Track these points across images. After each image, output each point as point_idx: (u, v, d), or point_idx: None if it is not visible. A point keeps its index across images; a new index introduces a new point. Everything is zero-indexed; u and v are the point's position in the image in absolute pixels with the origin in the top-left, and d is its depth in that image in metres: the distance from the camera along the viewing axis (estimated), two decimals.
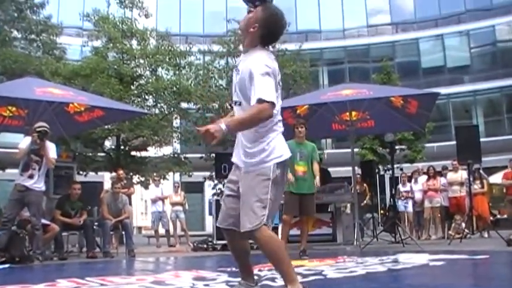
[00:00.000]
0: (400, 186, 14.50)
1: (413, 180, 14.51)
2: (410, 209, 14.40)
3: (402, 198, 14.29)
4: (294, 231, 9.47)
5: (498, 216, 18.27)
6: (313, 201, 8.48)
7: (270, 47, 3.56)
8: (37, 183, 8.13)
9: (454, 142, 11.95)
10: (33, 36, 19.96)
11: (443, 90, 20.76)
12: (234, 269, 5.77)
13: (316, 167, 8.54)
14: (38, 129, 8.09)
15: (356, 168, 12.22)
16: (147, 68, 20.50)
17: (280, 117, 3.45)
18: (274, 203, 3.37)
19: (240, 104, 3.43)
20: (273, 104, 3.19)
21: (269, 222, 3.35)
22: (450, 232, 12.58)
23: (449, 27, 34.59)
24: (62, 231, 9.23)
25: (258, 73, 3.23)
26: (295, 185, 8.14)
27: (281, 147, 3.39)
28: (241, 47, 23.02)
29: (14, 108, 10.12)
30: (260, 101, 3.16)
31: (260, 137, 3.35)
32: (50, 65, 18.60)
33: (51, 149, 8.30)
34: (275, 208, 3.44)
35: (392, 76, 26.24)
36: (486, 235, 12.62)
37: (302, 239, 8.42)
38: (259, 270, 5.68)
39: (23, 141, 8.36)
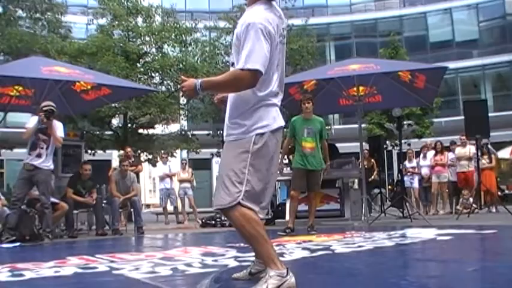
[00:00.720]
0: (406, 162, 14.47)
1: (421, 155, 14.47)
2: (416, 184, 14.40)
3: (408, 174, 14.28)
4: (302, 207, 9.48)
5: (506, 191, 18.23)
6: (319, 177, 8.41)
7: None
8: (45, 162, 8.16)
9: (462, 117, 11.89)
10: (38, 15, 19.85)
11: (451, 65, 20.64)
12: (242, 244, 5.81)
13: (324, 145, 8.49)
14: (45, 109, 8.10)
15: (364, 143, 12.19)
16: (153, 45, 20.43)
17: (277, 89, 3.11)
18: (257, 178, 2.98)
19: (233, 65, 3.10)
20: (256, 73, 2.85)
21: (260, 206, 3.02)
22: (458, 207, 12.59)
23: (457, 1, 34.20)
24: (72, 209, 9.30)
25: (250, 33, 2.88)
26: (303, 160, 8.10)
27: (268, 116, 3.02)
28: None
29: (20, 88, 10.12)
30: (243, 68, 2.87)
31: (244, 107, 3.03)
32: (55, 44, 18.55)
33: (59, 128, 8.32)
34: (260, 185, 3.01)
35: (400, 51, 26.07)
36: (494, 210, 12.61)
37: (310, 214, 8.36)
38: None
39: (30, 121, 8.38)
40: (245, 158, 2.95)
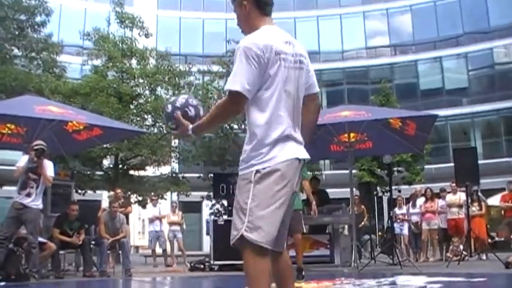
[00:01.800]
0: (396, 209, 14.48)
1: (411, 203, 14.51)
2: (406, 231, 14.40)
3: (398, 220, 14.28)
4: (294, 253, 9.42)
5: (496, 238, 18.22)
6: (301, 217, 8.09)
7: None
8: (35, 201, 8.13)
9: (452, 164, 11.98)
10: (33, 54, 20.03)
11: (441, 112, 20.88)
12: None
13: (306, 185, 8.41)
14: (36, 148, 8.12)
15: (354, 189, 12.21)
16: (147, 88, 20.60)
17: (287, 120, 2.89)
18: (261, 208, 2.77)
19: None
20: (237, 95, 2.75)
21: (265, 241, 2.75)
22: (448, 254, 12.55)
23: (447, 50, 34.80)
24: (59, 249, 9.20)
25: (236, 57, 2.80)
26: None
27: (273, 151, 2.83)
28: None
29: (13, 126, 10.13)
30: (227, 92, 2.81)
31: (253, 137, 2.89)
32: (49, 83, 18.65)
33: (49, 167, 8.32)
34: (266, 215, 2.78)
35: (390, 98, 26.35)
36: (484, 257, 12.58)
37: (297, 257, 8.08)
38: None
39: (21, 160, 8.38)
40: (248, 188, 2.81)
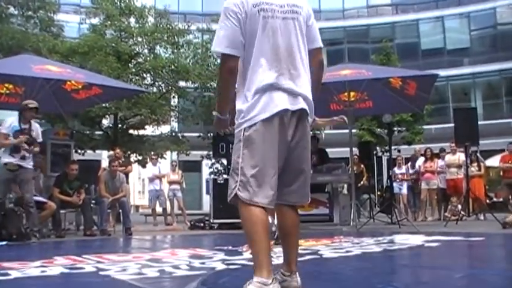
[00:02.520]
0: (395, 168, 14.52)
1: (410, 163, 14.57)
2: (404, 191, 14.47)
3: (397, 180, 14.34)
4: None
5: (494, 199, 18.32)
6: None
7: None
8: (29, 162, 8.20)
9: (452, 124, 11.95)
10: (30, 12, 19.72)
11: (442, 73, 20.69)
12: (230, 247, 5.81)
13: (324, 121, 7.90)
14: (32, 107, 8.11)
15: (354, 149, 12.21)
16: (145, 46, 20.35)
17: (273, 71, 2.86)
18: (251, 165, 2.79)
19: None
20: (223, 56, 2.83)
21: (258, 195, 2.77)
22: (446, 214, 12.64)
23: (449, 9, 34.39)
24: (59, 209, 9.24)
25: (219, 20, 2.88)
26: None
27: (259, 105, 2.82)
28: None
29: (10, 86, 10.07)
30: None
31: (240, 94, 2.94)
32: (47, 42, 18.43)
33: (39, 132, 8.37)
34: (256, 172, 2.79)
35: (391, 57, 26.14)
36: (482, 217, 12.67)
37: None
38: None
39: (6, 124, 8.29)
40: (239, 147, 2.87)
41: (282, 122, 2.86)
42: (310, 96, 3.03)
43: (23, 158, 8.12)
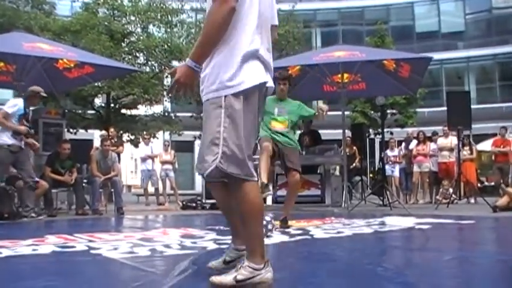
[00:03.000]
0: (388, 150, 14.56)
1: (403, 145, 14.61)
2: (396, 173, 14.53)
3: (390, 162, 14.38)
4: (284, 192, 9.50)
5: (486, 183, 18.44)
6: (296, 154, 6.59)
7: None
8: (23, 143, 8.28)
9: (445, 108, 11.97)
10: None
11: (436, 56, 20.64)
12: (222, 227, 5.82)
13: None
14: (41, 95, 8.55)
15: (346, 131, 12.22)
16: (138, 25, 20.21)
17: (258, 37, 2.68)
18: (236, 137, 2.59)
19: None
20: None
21: (244, 170, 2.62)
22: (438, 197, 12.71)
23: None
24: (51, 188, 9.22)
25: None
26: (270, 134, 6.41)
27: (243, 71, 2.61)
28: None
29: (1, 64, 9.96)
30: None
31: (217, 51, 2.63)
32: (38, 20, 18.27)
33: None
34: (243, 147, 2.62)
35: (386, 40, 26.06)
36: (473, 201, 12.75)
37: (286, 204, 6.67)
38: None
39: (13, 104, 8.33)
40: (219, 114, 2.60)
41: (260, 94, 2.74)
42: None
43: (21, 139, 8.23)
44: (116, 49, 18.52)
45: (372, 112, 24.19)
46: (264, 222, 3.61)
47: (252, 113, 2.68)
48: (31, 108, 8.50)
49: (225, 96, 2.59)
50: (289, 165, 6.31)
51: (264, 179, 5.86)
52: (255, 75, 2.65)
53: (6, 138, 8.11)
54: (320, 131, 12.10)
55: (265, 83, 2.73)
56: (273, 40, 2.94)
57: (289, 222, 6.21)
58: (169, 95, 2.65)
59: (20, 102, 8.34)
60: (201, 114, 2.75)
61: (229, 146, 2.59)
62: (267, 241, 4.72)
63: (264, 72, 2.71)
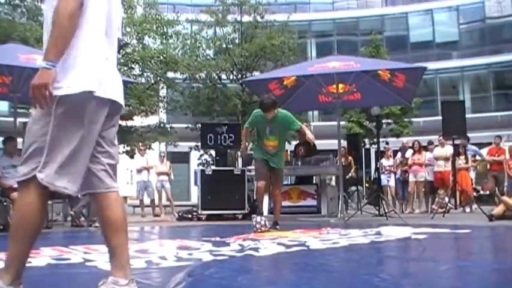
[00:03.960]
0: (383, 160, 14.57)
1: (399, 155, 14.62)
2: (392, 183, 14.52)
3: (386, 172, 14.38)
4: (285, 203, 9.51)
5: (481, 192, 18.45)
6: (281, 175, 8.08)
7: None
8: None
9: (440, 117, 12.00)
10: (17, 1, 19.54)
11: (431, 65, 20.76)
12: (218, 238, 5.81)
13: (303, 129, 7.98)
14: None
15: (342, 141, 12.24)
16: (134, 37, 20.28)
17: (96, 38, 2.49)
18: (66, 146, 2.40)
19: None
20: None
21: (66, 184, 2.48)
22: (433, 206, 12.70)
23: (438, 2, 34.48)
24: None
25: None
26: (265, 155, 7.67)
27: (81, 72, 2.39)
28: (229, 17, 22.52)
29: None
30: None
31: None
32: (34, 32, 18.26)
33: None
34: (72, 157, 2.43)
35: (380, 50, 26.20)
36: (468, 210, 12.76)
37: (275, 211, 8.07)
38: (244, 240, 5.71)
39: None
40: (48, 121, 2.38)
41: (94, 106, 2.47)
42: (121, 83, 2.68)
43: None
44: None
45: (367, 122, 24.25)
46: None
47: (90, 120, 2.46)
48: None
49: (59, 97, 2.36)
50: (273, 183, 7.95)
51: (262, 210, 7.73)
52: (96, 77, 2.44)
53: None
54: (316, 141, 12.11)
55: (106, 98, 2.50)
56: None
57: (286, 233, 6.63)
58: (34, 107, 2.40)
59: None
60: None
61: (53, 157, 2.42)
62: (263, 253, 4.72)
63: (97, 82, 2.45)
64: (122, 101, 2.64)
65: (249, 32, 22.24)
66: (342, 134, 13.59)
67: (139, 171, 14.30)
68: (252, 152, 9.74)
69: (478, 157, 14.15)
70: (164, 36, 20.49)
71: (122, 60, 19.66)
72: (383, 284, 3.20)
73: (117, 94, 2.59)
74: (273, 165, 7.67)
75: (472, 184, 14.53)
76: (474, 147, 14.22)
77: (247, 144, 8.74)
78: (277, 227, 7.59)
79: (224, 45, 22.08)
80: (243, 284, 3.27)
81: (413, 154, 13.77)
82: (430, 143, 14.45)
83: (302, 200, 11.14)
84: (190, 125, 22.45)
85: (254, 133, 8.28)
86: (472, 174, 15.03)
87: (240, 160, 18.47)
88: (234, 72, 22.28)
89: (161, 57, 19.52)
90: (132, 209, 16.72)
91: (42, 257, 4.48)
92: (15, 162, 8.69)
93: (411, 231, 6.75)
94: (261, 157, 7.66)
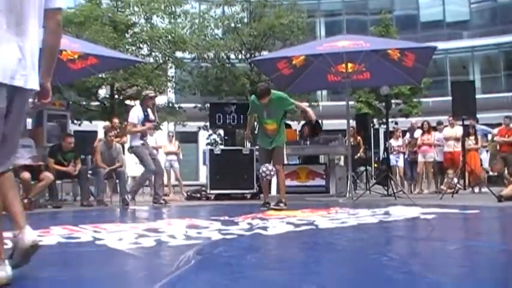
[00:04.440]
0: (392, 140, 14.52)
1: (408, 135, 14.56)
2: (401, 163, 14.49)
3: (394, 152, 14.34)
4: (290, 182, 9.54)
5: (490, 173, 18.38)
6: (282, 152, 8.46)
7: None
8: None
9: (450, 98, 11.93)
10: None
11: (441, 45, 20.59)
12: (226, 217, 5.84)
13: (299, 106, 8.86)
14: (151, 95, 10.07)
15: (351, 121, 12.21)
16: (142, 16, 20.18)
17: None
18: None
19: None
20: None
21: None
22: (442, 187, 12.68)
23: None
24: (56, 179, 9.23)
25: None
26: (266, 140, 8.20)
27: None
28: None
29: None
30: None
31: None
32: None
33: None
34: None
35: (390, 29, 25.96)
36: (477, 190, 12.72)
37: (280, 189, 8.39)
38: (252, 219, 5.74)
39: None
40: None
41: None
42: (36, 63, 2.59)
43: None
44: (120, 40, 18.51)
45: (377, 102, 24.14)
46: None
47: None
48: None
49: None
50: (274, 161, 8.10)
51: (266, 200, 8.15)
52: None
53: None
54: (324, 121, 12.11)
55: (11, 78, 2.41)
56: (56, 28, 2.69)
57: (294, 213, 6.71)
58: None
59: (138, 111, 9.76)
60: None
61: None
62: (272, 231, 4.73)
63: (12, 64, 2.41)
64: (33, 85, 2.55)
65: (258, 11, 22.08)
66: (351, 113, 13.55)
67: None
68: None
69: (489, 137, 14.07)
70: (172, 16, 20.37)
71: (130, 40, 19.62)
72: (391, 263, 3.21)
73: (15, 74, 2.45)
74: (273, 146, 8.10)
75: (481, 165, 14.47)
76: (483, 127, 14.13)
77: (251, 130, 9.18)
78: (281, 205, 7.75)
79: (232, 25, 21.94)
80: (252, 262, 3.29)
81: (422, 134, 13.71)
82: (440, 123, 14.37)
83: (311, 179, 11.15)
84: (198, 105, 22.43)
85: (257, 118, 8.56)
86: (486, 156, 14.97)
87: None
88: (243, 52, 22.17)
89: (169, 37, 19.43)
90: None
91: (52, 236, 4.52)
92: (24, 142, 8.73)
93: (420, 211, 6.75)
94: (262, 146, 8.27)
